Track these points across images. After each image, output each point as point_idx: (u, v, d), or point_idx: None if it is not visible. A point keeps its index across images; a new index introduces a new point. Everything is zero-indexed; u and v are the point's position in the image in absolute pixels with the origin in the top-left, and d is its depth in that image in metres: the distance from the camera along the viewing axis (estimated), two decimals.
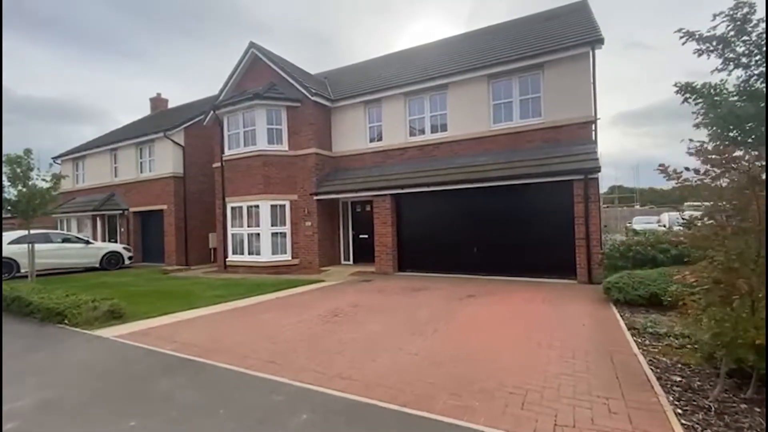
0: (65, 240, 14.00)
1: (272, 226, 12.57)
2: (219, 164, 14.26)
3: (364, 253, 13.01)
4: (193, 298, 7.88)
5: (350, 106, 12.98)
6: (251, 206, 12.70)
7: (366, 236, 12.96)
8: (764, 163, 2.87)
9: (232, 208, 13.20)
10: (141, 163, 17.11)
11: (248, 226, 12.76)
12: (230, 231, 13.25)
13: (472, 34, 14.85)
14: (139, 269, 14.63)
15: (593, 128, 9.77)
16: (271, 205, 12.58)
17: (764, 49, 7.82)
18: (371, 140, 12.86)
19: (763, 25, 7.78)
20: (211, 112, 13.98)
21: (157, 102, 23.95)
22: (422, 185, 10.53)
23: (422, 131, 11.99)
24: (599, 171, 8.57)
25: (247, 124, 12.87)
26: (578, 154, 9.24)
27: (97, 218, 17.63)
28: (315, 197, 12.44)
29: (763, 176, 2.82)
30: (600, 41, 9.39)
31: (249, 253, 12.76)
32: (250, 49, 13.63)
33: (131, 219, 17.11)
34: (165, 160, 16.02)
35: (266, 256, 12.43)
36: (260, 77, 13.72)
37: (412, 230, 11.18)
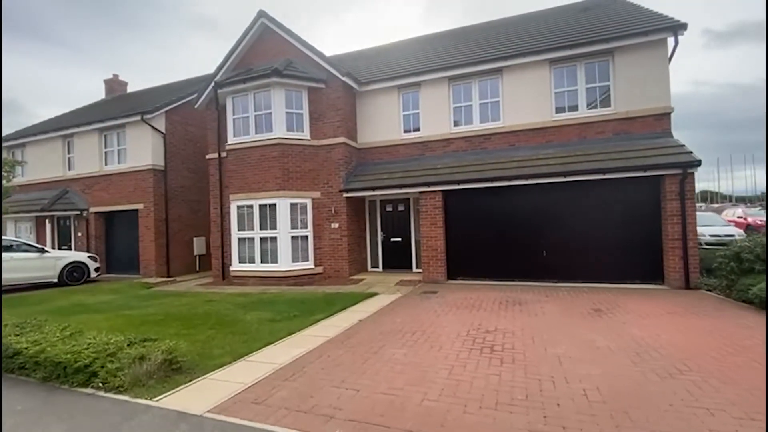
0: (5, 248, 10.80)
1: (292, 229, 10.52)
2: (216, 155, 11.90)
3: (395, 259, 11.37)
4: (240, 327, 5.82)
5: (381, 90, 11.31)
6: (266, 205, 10.55)
7: (399, 239, 11.34)
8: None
9: (239, 208, 10.93)
10: (106, 153, 14.03)
11: (261, 229, 10.58)
12: (236, 235, 10.96)
13: (522, 17, 13.75)
14: (111, 283, 11.74)
15: (670, 120, 9.01)
16: (291, 204, 10.53)
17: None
18: (406, 130, 11.27)
19: None
20: (207, 91, 11.60)
21: (114, 85, 20.45)
22: (483, 180, 9.16)
23: (469, 121, 10.64)
24: (699, 165, 7.75)
25: (259, 107, 10.72)
26: (663, 147, 8.41)
27: (45, 221, 14.20)
28: (344, 194, 10.59)
29: None
30: (683, 26, 8.65)
31: (262, 261, 10.58)
32: (259, 19, 11.46)
33: (92, 221, 13.95)
34: (141, 149, 13.19)
35: (285, 264, 10.35)
36: (269, 53, 11.60)
37: (464, 232, 9.75)
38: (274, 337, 5.03)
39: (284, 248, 10.37)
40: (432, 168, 10.16)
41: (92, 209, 13.95)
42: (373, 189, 10.22)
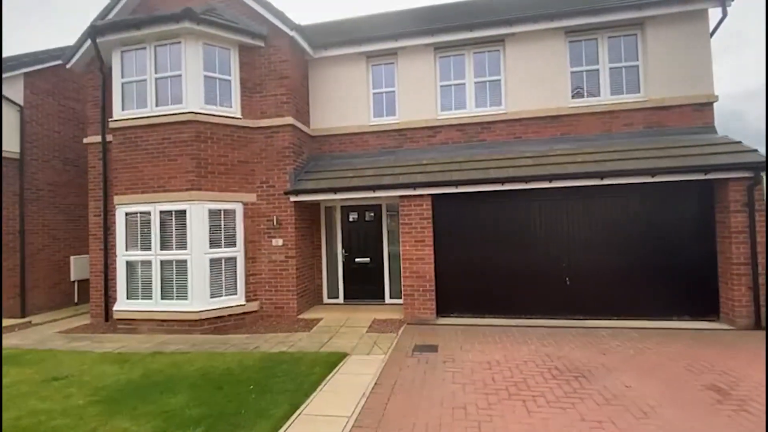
0: None
1: (212, 248, 7.15)
2: (98, 138, 8.15)
3: (362, 287, 8.45)
4: None
5: (344, 59, 8.38)
6: (170, 212, 7.08)
7: (366, 259, 8.44)
8: None
9: (129, 216, 7.31)
10: None
11: (163, 248, 7.07)
12: (123, 256, 7.30)
13: None
14: None
15: (713, 111, 7.22)
16: (210, 211, 7.17)
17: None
18: (377, 114, 8.45)
19: None
20: (86, 44, 7.86)
21: None
22: (489, 182, 6.63)
23: (462, 104, 8.11)
24: None
25: (163, 67, 7.25)
26: (715, 144, 6.53)
27: None
28: (292, 198, 7.48)
29: None
30: None
31: (164, 297, 7.06)
32: None
33: None
34: None
35: (200, 300, 6.94)
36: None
37: (459, 253, 7.14)
38: None
39: (199, 277, 6.95)
40: (416, 164, 7.46)
41: None
42: (335, 191, 7.22)
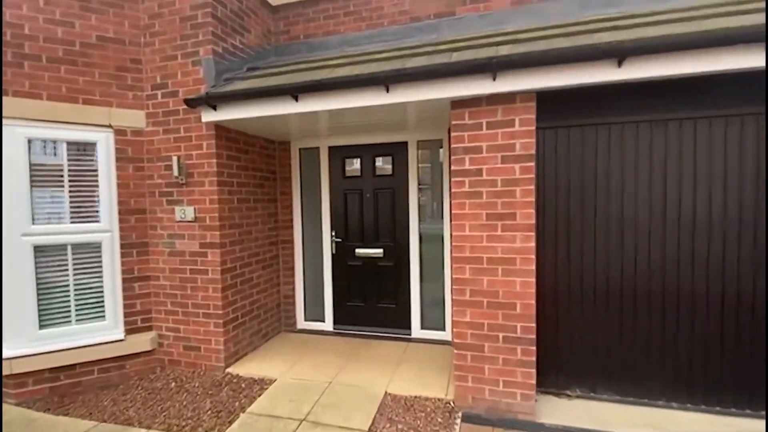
0: None
1: (44, 222, 3.32)
2: None
3: (365, 302, 4.40)
4: None
5: None
6: None
7: (377, 251, 4.33)
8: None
9: None
10: None
11: None
12: None
13: None
14: None
15: None
16: (36, 143, 3.29)
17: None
18: None
19: None
20: None
21: None
22: (726, 43, 2.26)
23: None
24: None
25: None
26: None
27: None
28: (206, 116, 3.41)
29: None
30: None
31: None
32: None
33: None
34: None
35: (13, 335, 3.19)
36: None
37: (596, 249, 2.88)
38: None
39: (12, 286, 3.19)
40: (489, 35, 3.19)
41: None
42: (294, 92, 3.04)
